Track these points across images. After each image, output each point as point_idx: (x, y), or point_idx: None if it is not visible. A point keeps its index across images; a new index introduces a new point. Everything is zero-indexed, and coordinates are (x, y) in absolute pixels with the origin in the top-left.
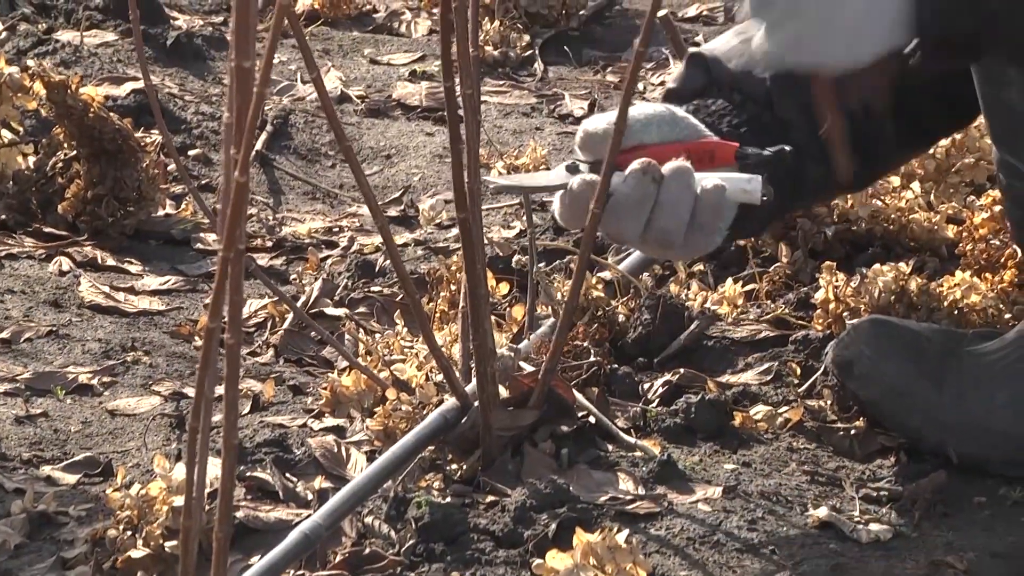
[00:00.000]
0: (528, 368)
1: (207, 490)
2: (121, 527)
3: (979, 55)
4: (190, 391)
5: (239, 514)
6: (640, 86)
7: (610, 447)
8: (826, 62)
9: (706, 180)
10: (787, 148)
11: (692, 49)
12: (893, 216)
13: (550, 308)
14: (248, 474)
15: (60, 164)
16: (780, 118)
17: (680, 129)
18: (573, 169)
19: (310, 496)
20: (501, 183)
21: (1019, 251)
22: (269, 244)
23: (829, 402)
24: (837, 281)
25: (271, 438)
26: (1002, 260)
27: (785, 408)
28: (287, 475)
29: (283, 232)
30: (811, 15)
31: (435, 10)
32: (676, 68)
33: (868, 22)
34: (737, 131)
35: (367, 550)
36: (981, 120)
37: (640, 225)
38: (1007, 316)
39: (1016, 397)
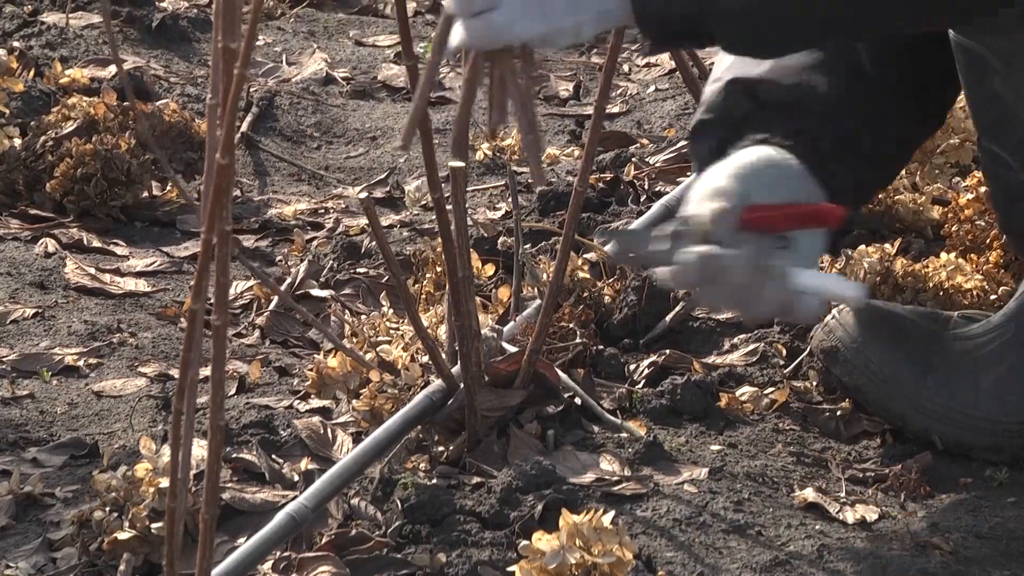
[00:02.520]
0: (511, 349)
1: (193, 472)
2: (107, 509)
3: (703, 39)
4: (176, 373)
5: (225, 496)
6: (625, 67)
7: (596, 428)
8: (550, 29)
9: (809, 281)
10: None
11: (727, 76)
12: (878, 197)
13: (536, 290)
14: (234, 456)
15: (50, 143)
16: (844, 135)
17: (790, 182)
18: (677, 235)
19: (296, 478)
20: (625, 255)
21: (1004, 236)
22: (255, 226)
23: (815, 383)
24: (822, 262)
25: (257, 419)
26: (988, 241)
27: (771, 389)
28: (273, 457)
29: (268, 214)
30: None
31: None
32: (705, 95)
33: None
34: (808, 154)
35: (353, 532)
36: (964, 101)
37: (732, 305)
38: (993, 297)
39: (1000, 383)
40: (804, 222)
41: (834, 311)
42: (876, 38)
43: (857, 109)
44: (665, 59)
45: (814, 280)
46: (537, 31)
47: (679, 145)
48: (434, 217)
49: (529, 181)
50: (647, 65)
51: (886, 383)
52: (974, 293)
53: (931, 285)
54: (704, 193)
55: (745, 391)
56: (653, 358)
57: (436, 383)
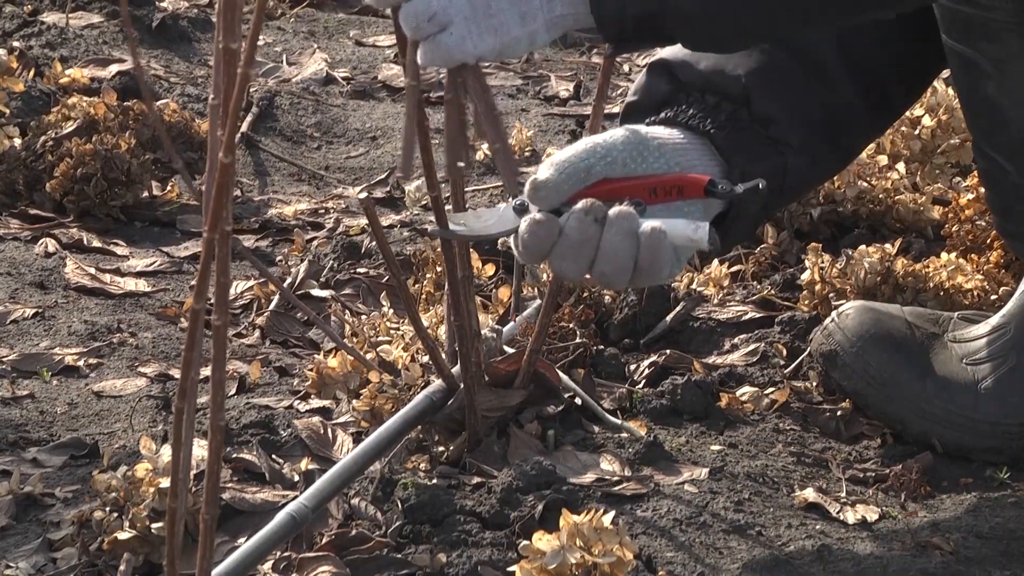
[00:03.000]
0: (510, 351)
1: (193, 472)
2: (107, 509)
3: (663, 39)
4: (176, 373)
5: (225, 496)
6: (625, 67)
7: (596, 428)
8: (503, 42)
9: (648, 223)
10: (761, 184)
11: (651, 58)
12: (879, 197)
13: (536, 290)
14: (234, 456)
15: (50, 143)
16: (759, 114)
17: (647, 159)
18: (521, 210)
19: (296, 478)
20: (452, 230)
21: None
22: (255, 226)
23: (815, 383)
24: (823, 263)
25: (257, 419)
26: (988, 241)
27: (771, 389)
28: (273, 457)
29: (269, 214)
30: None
31: None
32: (636, 79)
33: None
34: (719, 132)
35: (353, 532)
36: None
37: (583, 267)
38: (993, 297)
39: (1000, 384)
40: (658, 193)
41: (833, 314)
42: (832, 28)
43: (773, 90)
44: None
45: (650, 223)
46: (489, 46)
47: None
48: (434, 217)
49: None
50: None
51: (885, 387)
52: (974, 293)
53: (931, 285)
54: (544, 164)
55: (745, 391)
56: (653, 358)
57: (436, 383)
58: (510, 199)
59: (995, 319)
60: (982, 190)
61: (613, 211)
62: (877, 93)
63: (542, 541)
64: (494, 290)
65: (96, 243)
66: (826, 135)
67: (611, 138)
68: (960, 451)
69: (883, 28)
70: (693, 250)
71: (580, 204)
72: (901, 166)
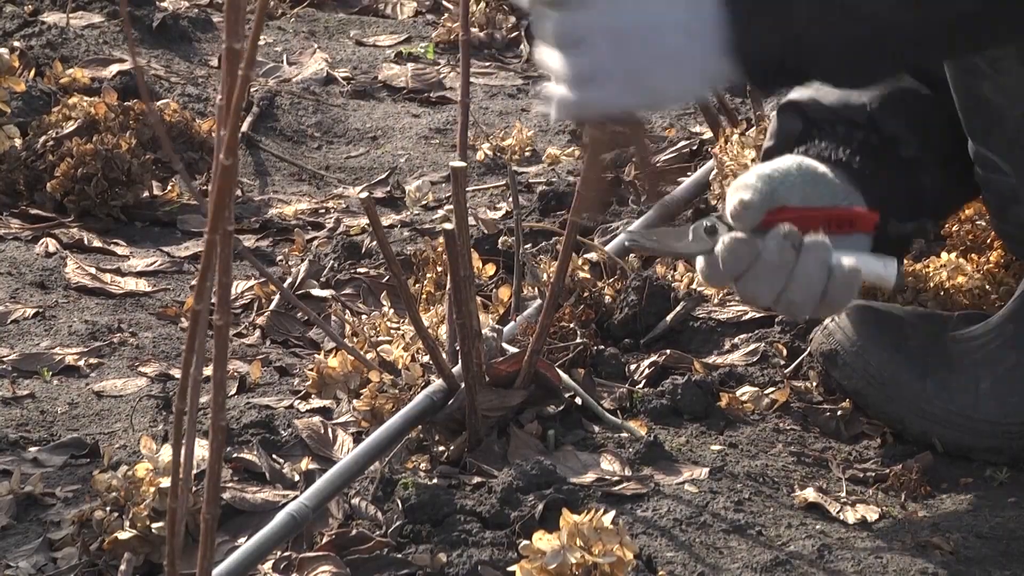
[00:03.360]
0: (511, 350)
1: (194, 471)
2: (108, 508)
3: (801, 78)
4: (177, 372)
5: (225, 495)
6: None
7: (596, 428)
8: (659, 99)
9: (844, 259)
10: (929, 224)
11: (781, 100)
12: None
13: (536, 290)
14: (235, 455)
15: (51, 143)
16: (888, 135)
17: (822, 190)
18: (712, 231)
19: (297, 477)
20: (641, 243)
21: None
22: (255, 226)
23: (815, 383)
24: None
25: (258, 419)
26: (988, 241)
27: (771, 389)
28: (274, 456)
29: (269, 214)
30: (633, 54)
31: None
32: (769, 125)
33: (689, 53)
34: (852, 159)
35: (354, 531)
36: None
37: (774, 292)
38: (993, 297)
39: (999, 385)
40: (832, 225)
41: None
42: (955, 60)
43: (898, 112)
44: None
45: (846, 259)
46: (637, 103)
47: (679, 145)
48: (433, 217)
49: (530, 181)
50: None
51: (885, 386)
52: (975, 293)
53: (932, 285)
54: (732, 188)
55: (745, 391)
56: (653, 358)
57: (437, 383)
58: (702, 220)
59: (995, 319)
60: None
61: (809, 239)
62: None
63: (542, 541)
64: (494, 290)
65: (96, 243)
66: (963, 153)
67: (784, 165)
68: (960, 451)
69: None
70: (879, 285)
71: (781, 228)
72: None
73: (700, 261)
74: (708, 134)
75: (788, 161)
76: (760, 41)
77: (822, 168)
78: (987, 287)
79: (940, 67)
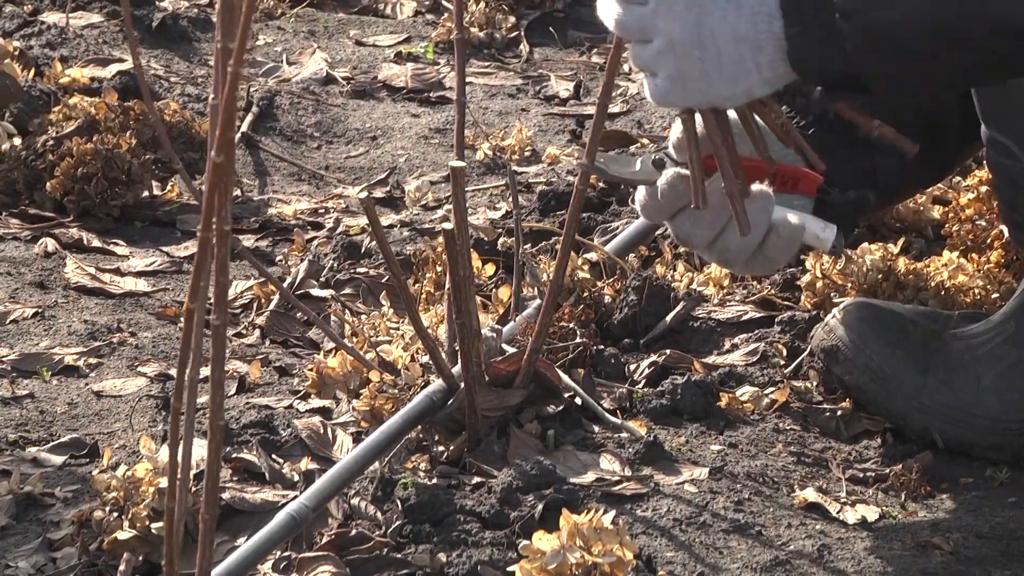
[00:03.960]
0: (511, 350)
1: (193, 471)
2: (107, 508)
3: (866, 91)
4: (175, 372)
5: (225, 495)
6: (625, 67)
7: (596, 428)
8: (711, 98)
9: (788, 215)
10: (871, 194)
11: None
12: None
13: (536, 290)
14: (234, 455)
15: (51, 142)
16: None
17: (771, 146)
18: (660, 164)
19: (296, 477)
20: (592, 167)
21: (1006, 230)
22: (255, 226)
23: (815, 383)
24: (823, 261)
25: (257, 419)
26: (988, 241)
27: (771, 389)
28: (273, 456)
29: (268, 213)
30: (687, 52)
31: None
32: None
33: (745, 62)
34: (806, 132)
35: (353, 531)
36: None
37: (711, 235)
38: (994, 296)
39: (1001, 381)
40: (776, 181)
41: (834, 310)
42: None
43: None
44: None
45: (790, 215)
46: (696, 100)
47: None
48: (433, 217)
49: (530, 181)
50: None
51: (887, 382)
52: (975, 292)
53: (932, 284)
54: (677, 120)
55: (745, 391)
56: (653, 358)
57: (436, 383)
58: (651, 153)
59: (996, 316)
60: (983, 190)
61: (755, 187)
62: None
63: (542, 541)
64: (494, 290)
65: (96, 243)
66: (919, 140)
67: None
68: (961, 447)
69: None
70: (814, 247)
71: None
72: None
73: (640, 191)
74: None
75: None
76: (819, 55)
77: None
78: (988, 287)
79: None
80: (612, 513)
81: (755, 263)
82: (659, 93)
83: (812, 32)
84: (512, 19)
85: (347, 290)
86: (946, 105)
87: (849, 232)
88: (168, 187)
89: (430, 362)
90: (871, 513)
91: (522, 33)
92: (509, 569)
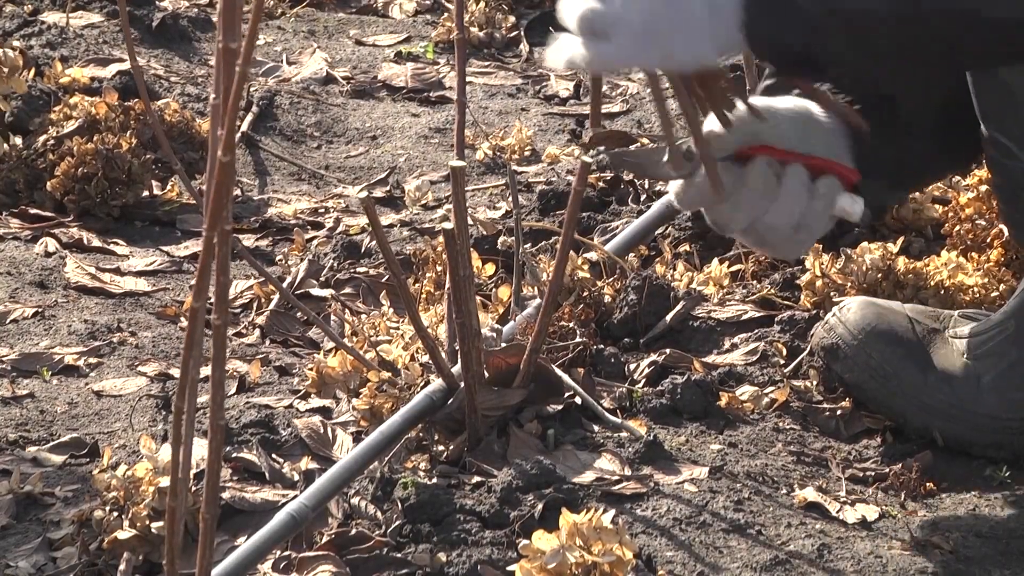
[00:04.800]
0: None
1: (193, 471)
2: (107, 508)
3: (822, 71)
4: (176, 372)
5: (225, 495)
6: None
7: (596, 428)
8: (669, 62)
9: (820, 184)
10: (900, 193)
11: None
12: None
13: (536, 289)
14: (234, 455)
15: (51, 142)
16: (889, 95)
17: (812, 134)
18: (689, 155)
19: (296, 477)
20: (620, 162)
21: (1006, 230)
22: (255, 225)
23: (815, 382)
24: (823, 261)
25: (257, 419)
26: (988, 240)
27: (771, 388)
28: (273, 456)
29: (269, 213)
30: (654, 14)
31: None
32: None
33: (706, 23)
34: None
35: (353, 531)
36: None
37: (750, 217)
38: (994, 295)
39: (1001, 379)
40: (809, 170)
41: (834, 308)
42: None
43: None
44: None
45: (820, 182)
46: (651, 62)
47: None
48: (433, 216)
49: (530, 180)
50: None
51: (887, 380)
52: (975, 291)
53: (932, 284)
54: (710, 118)
55: (745, 390)
56: (653, 357)
57: (436, 382)
58: (679, 143)
59: (997, 316)
60: (983, 189)
61: (791, 166)
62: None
63: (542, 540)
64: (494, 289)
65: (96, 242)
66: (960, 124)
67: (781, 106)
68: (961, 445)
69: None
70: (846, 218)
71: (762, 158)
72: None
73: (676, 184)
74: None
75: (785, 103)
76: (772, 28)
77: (819, 115)
78: (987, 286)
79: None
80: (612, 513)
81: (791, 244)
82: (609, 54)
83: (770, 5)
84: (512, 19)
85: (347, 290)
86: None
87: (877, 214)
88: (168, 187)
89: (430, 362)
90: (871, 513)
91: (522, 33)
92: (509, 569)
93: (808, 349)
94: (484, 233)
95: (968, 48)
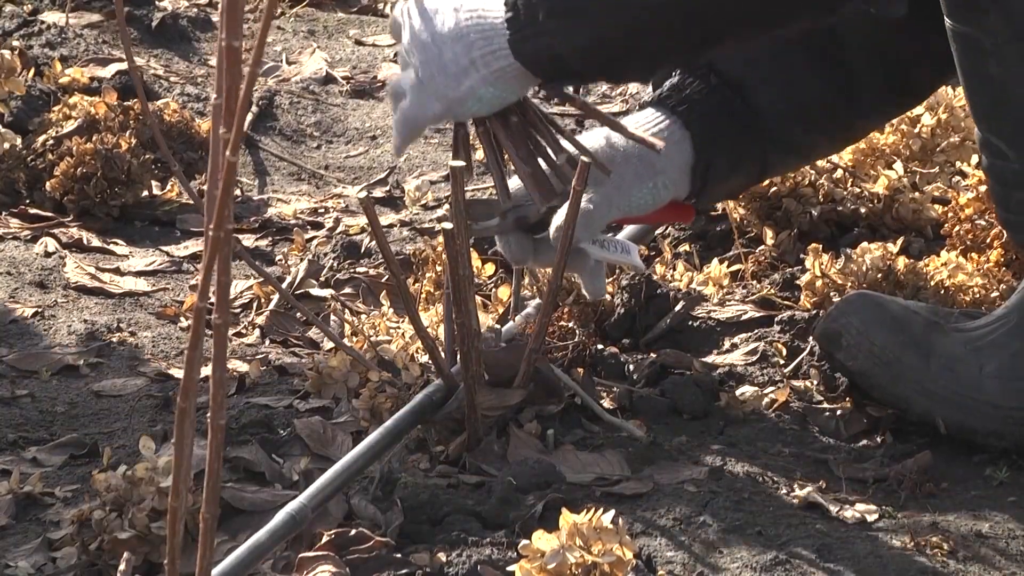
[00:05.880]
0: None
1: (193, 471)
2: (107, 508)
3: (577, 78)
4: (175, 372)
5: (225, 495)
6: None
7: (596, 428)
8: (449, 105)
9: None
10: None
11: None
12: (881, 193)
13: (535, 289)
14: (234, 455)
15: (51, 142)
16: (752, 106)
17: (632, 195)
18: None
19: (296, 477)
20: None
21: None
22: (255, 225)
23: (815, 382)
24: (823, 261)
25: (257, 419)
26: (988, 240)
27: (771, 388)
28: (273, 456)
29: (268, 213)
30: (426, 64)
31: None
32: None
33: (457, 54)
34: (708, 120)
35: (353, 531)
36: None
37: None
38: (994, 295)
39: (1004, 367)
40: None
41: (837, 301)
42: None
43: (772, 74)
44: None
45: (600, 252)
46: (438, 109)
47: None
48: (433, 216)
49: None
50: None
51: (889, 366)
52: (975, 291)
53: (932, 284)
54: (555, 218)
55: (745, 390)
56: (653, 357)
57: (436, 382)
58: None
59: (998, 311)
60: (982, 189)
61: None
62: (898, 78)
63: (542, 540)
64: (494, 290)
65: (96, 242)
66: (825, 120)
67: (594, 143)
68: (963, 433)
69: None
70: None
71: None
72: (900, 165)
73: (506, 242)
74: None
75: (594, 140)
76: (540, 43)
77: (627, 154)
78: (987, 286)
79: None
80: (612, 512)
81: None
82: (408, 112)
83: (523, 18)
84: None
85: (347, 290)
86: (862, 83)
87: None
88: (168, 187)
89: (430, 361)
90: (871, 513)
91: None
92: (509, 569)
93: (808, 349)
94: None
95: (695, 29)
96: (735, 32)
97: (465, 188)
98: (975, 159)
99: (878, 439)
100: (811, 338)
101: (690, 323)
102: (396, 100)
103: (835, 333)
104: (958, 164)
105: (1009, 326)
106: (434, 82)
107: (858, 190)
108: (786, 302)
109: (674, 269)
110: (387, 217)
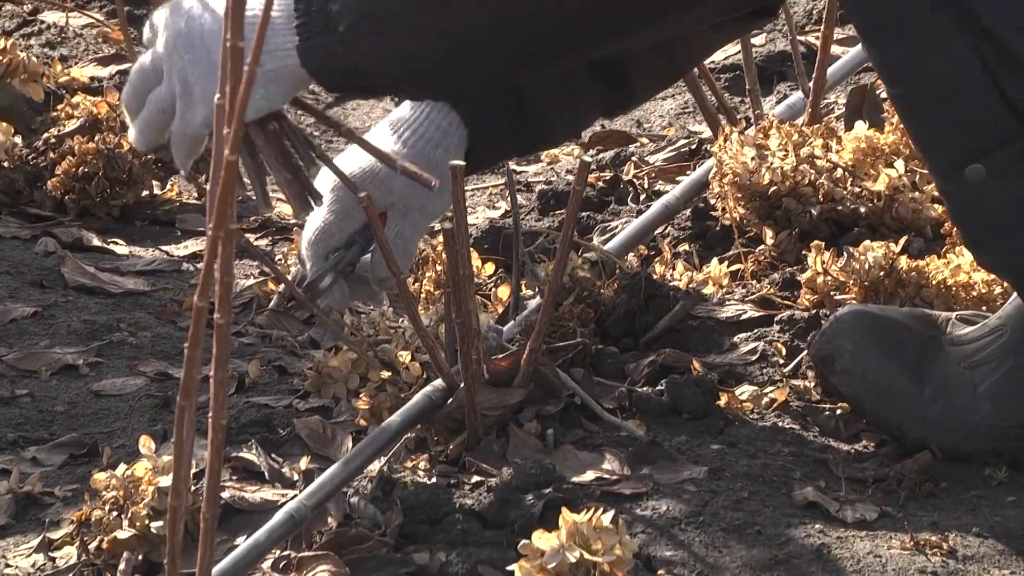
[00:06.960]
0: (510, 348)
1: (193, 470)
2: (107, 508)
3: (371, 91)
4: (176, 372)
5: (224, 495)
6: None
7: (596, 427)
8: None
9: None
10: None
11: None
12: (882, 192)
13: (535, 289)
14: (234, 455)
15: (52, 141)
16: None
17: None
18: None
19: (296, 477)
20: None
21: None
22: (255, 225)
23: (815, 382)
24: (824, 258)
25: (257, 418)
26: None
27: (771, 388)
28: (273, 456)
29: (268, 213)
30: (193, 69)
31: None
32: None
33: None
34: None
35: (353, 531)
36: None
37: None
38: (997, 291)
39: (997, 387)
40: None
41: (831, 318)
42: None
43: None
44: None
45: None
46: (203, 115)
47: (679, 144)
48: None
49: (529, 180)
50: None
51: (882, 393)
52: (980, 287)
53: (934, 283)
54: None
55: (745, 390)
56: (653, 357)
57: (436, 382)
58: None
59: (992, 321)
60: None
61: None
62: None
63: (541, 540)
64: (494, 289)
65: (96, 242)
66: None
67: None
68: (959, 456)
69: None
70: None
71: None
72: (900, 164)
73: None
74: (707, 133)
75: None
76: (320, 50)
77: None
78: (991, 283)
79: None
80: (611, 512)
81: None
82: (176, 124)
83: (316, 25)
84: None
85: None
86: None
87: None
88: (168, 187)
89: (430, 361)
90: (870, 512)
91: None
92: (509, 568)
93: (805, 354)
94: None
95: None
96: (553, 56)
97: (465, 187)
98: None
99: (878, 439)
100: (807, 354)
101: (690, 323)
102: (131, 114)
103: (829, 356)
104: None
105: (1002, 340)
106: (204, 83)
107: (858, 189)
108: (786, 302)
109: (674, 269)
110: None
